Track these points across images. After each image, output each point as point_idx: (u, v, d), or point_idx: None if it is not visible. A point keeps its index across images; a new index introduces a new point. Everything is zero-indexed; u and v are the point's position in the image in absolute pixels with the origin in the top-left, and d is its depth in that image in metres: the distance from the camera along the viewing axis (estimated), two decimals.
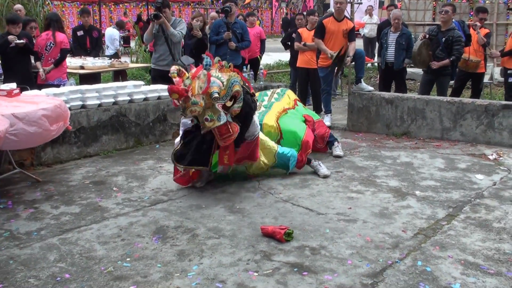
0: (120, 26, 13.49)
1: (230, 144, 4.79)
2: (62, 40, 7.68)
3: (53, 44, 7.53)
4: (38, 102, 5.20)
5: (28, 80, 7.20)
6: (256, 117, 5.15)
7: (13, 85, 5.79)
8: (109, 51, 12.19)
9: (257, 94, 6.05)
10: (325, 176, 5.46)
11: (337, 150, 6.30)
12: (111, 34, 12.24)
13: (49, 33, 7.56)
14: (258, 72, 9.12)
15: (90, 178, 5.45)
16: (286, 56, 12.99)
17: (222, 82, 4.50)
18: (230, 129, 4.62)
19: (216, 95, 4.38)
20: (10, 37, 7.05)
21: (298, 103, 6.54)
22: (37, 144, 5.26)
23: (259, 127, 5.23)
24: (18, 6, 9.83)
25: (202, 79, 4.44)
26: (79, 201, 4.77)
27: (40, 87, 6.93)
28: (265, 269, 3.46)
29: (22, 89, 5.90)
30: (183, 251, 3.74)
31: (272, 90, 6.65)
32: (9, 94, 5.44)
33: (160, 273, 3.41)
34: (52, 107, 5.05)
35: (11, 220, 4.32)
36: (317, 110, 8.67)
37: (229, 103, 4.59)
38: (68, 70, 8.19)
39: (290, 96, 6.49)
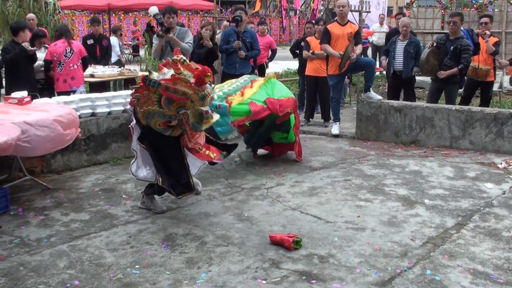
0: (114, 31, 13.56)
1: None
2: (81, 48, 7.87)
3: (72, 50, 7.62)
4: (49, 109, 5.25)
5: (35, 87, 7.27)
6: None
7: (24, 93, 5.85)
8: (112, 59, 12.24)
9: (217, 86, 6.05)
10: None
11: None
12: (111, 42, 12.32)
13: (64, 41, 7.62)
14: None
15: (100, 185, 5.48)
16: (294, 65, 13.02)
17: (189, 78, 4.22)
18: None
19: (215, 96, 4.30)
20: (25, 44, 7.12)
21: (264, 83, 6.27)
22: (52, 150, 5.23)
23: None
24: (31, 15, 9.91)
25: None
26: (89, 208, 4.81)
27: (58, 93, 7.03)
28: (273, 277, 3.46)
29: (33, 97, 5.96)
30: (192, 258, 3.75)
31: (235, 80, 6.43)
32: (20, 102, 5.49)
33: (169, 281, 3.42)
34: (64, 114, 5.10)
35: (21, 227, 4.36)
36: (326, 118, 8.69)
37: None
38: None
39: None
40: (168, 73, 4.16)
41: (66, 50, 7.57)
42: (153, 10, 7.24)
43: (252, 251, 3.87)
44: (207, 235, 4.18)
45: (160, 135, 4.35)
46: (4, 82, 7.61)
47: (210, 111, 4.23)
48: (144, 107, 4.18)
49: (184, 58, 4.19)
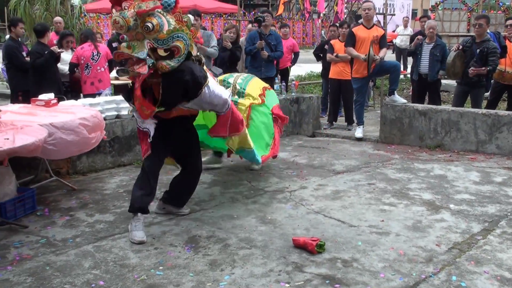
0: None
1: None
2: (107, 51, 8.00)
3: (99, 53, 7.73)
4: (75, 111, 5.32)
5: (61, 89, 7.42)
6: (218, 89, 4.36)
7: (51, 95, 5.95)
8: None
9: (221, 78, 5.82)
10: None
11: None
12: None
13: (91, 45, 7.74)
14: (290, 83, 9.14)
15: (124, 187, 5.54)
16: (317, 67, 12.98)
17: (169, 26, 3.92)
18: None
19: (150, 26, 3.79)
20: (54, 48, 7.31)
21: (267, 91, 6.00)
22: (77, 153, 5.31)
23: (226, 99, 4.40)
24: (58, 18, 10.11)
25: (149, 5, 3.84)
26: (113, 210, 4.85)
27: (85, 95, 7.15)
28: (296, 280, 3.45)
29: (59, 99, 6.05)
30: (215, 260, 3.76)
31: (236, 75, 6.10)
32: (47, 104, 5.58)
33: (192, 282, 3.43)
34: (89, 117, 5.17)
35: (47, 227, 4.43)
36: (349, 121, 8.64)
37: (161, 52, 3.93)
38: None
39: (258, 85, 5.98)
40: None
41: (93, 53, 7.69)
42: None
43: (275, 254, 3.86)
44: (230, 237, 4.19)
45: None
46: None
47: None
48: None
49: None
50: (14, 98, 7.75)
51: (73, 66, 7.70)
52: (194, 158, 4.69)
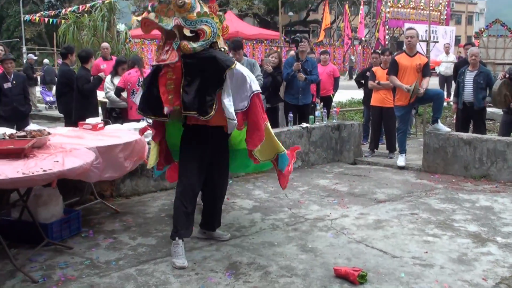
0: None
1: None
2: None
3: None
4: (120, 136, 5.46)
5: (98, 112, 7.63)
6: (246, 78, 4.19)
7: (98, 120, 6.11)
8: None
9: None
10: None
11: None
12: None
13: (137, 71, 7.89)
14: (331, 110, 9.14)
15: (166, 211, 5.60)
16: (358, 94, 12.93)
17: (201, 9, 3.99)
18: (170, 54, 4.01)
19: (181, 2, 3.85)
20: (101, 74, 7.58)
21: None
22: (111, 178, 5.39)
23: (250, 92, 4.22)
24: (105, 44, 10.44)
25: None
26: (156, 233, 4.91)
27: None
28: None
29: (106, 123, 6.22)
30: None
31: None
32: (94, 128, 5.74)
33: None
34: (132, 142, 5.26)
35: (92, 248, 4.51)
36: (391, 149, 8.54)
37: (187, 32, 3.95)
38: None
39: None
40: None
41: (139, 79, 7.82)
42: None
43: (316, 284, 3.82)
44: (271, 265, 4.17)
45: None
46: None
47: None
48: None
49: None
50: (68, 122, 8.00)
51: (119, 90, 7.88)
52: (222, 178, 4.63)
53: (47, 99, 15.38)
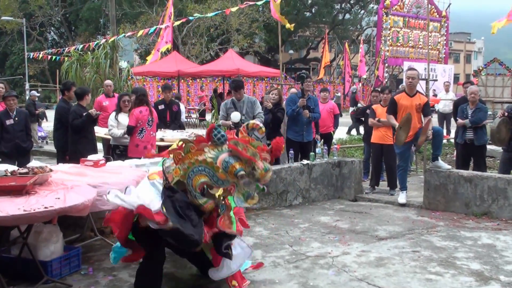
0: (177, 98, 13.49)
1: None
2: (155, 116, 8.02)
3: (153, 119, 7.80)
4: (122, 172, 5.47)
5: (95, 148, 7.79)
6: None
7: (99, 156, 6.14)
8: None
9: None
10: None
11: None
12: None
13: (147, 109, 7.75)
14: (332, 147, 9.18)
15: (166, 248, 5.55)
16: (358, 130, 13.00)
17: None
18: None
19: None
20: (92, 111, 7.67)
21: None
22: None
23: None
24: (108, 82, 10.53)
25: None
26: None
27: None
28: None
29: (107, 160, 6.23)
30: None
31: None
32: (96, 164, 5.76)
33: None
34: (133, 180, 5.25)
35: (91, 286, 4.47)
36: (392, 186, 8.54)
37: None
38: None
39: None
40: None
41: (149, 118, 7.74)
42: (236, 118, 7.55)
43: None
44: None
45: (187, 204, 3.81)
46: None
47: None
48: (195, 157, 3.70)
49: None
50: (61, 157, 8.05)
51: (131, 129, 7.61)
52: None
53: (39, 134, 15.40)
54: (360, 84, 33.31)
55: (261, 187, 3.84)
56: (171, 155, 3.83)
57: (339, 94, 30.77)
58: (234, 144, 3.67)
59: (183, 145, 3.78)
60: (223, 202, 4.12)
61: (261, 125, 4.00)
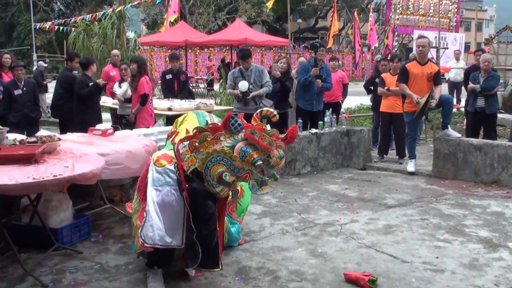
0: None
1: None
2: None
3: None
4: (129, 141, 5.47)
5: (100, 118, 7.73)
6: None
7: (107, 125, 6.14)
8: None
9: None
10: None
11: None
12: None
13: (149, 78, 7.83)
14: (340, 116, 9.12)
15: None
16: (367, 100, 12.90)
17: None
18: None
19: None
20: (99, 81, 7.64)
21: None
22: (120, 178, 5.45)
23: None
24: (115, 51, 10.51)
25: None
26: None
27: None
28: None
29: (115, 129, 6.23)
30: None
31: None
32: (104, 133, 5.76)
33: None
34: (139, 147, 5.24)
35: (101, 253, 4.52)
36: (400, 155, 8.50)
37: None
38: (157, 112, 8.54)
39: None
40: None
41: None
42: (244, 87, 7.53)
43: None
44: (280, 269, 4.16)
45: (206, 193, 3.75)
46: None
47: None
48: (212, 147, 3.64)
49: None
50: (64, 127, 8.02)
51: (146, 97, 7.65)
52: None
53: (47, 104, 15.38)
54: (370, 54, 32.95)
55: (277, 176, 3.83)
56: (185, 142, 3.79)
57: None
58: (251, 133, 3.62)
59: (199, 133, 3.71)
60: (237, 188, 4.14)
61: (275, 112, 3.93)
